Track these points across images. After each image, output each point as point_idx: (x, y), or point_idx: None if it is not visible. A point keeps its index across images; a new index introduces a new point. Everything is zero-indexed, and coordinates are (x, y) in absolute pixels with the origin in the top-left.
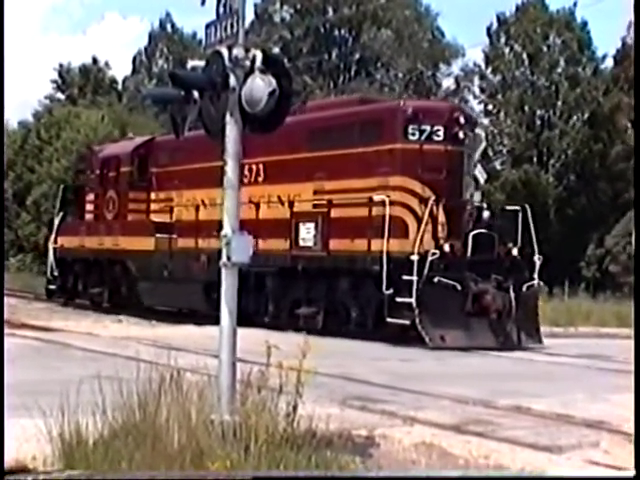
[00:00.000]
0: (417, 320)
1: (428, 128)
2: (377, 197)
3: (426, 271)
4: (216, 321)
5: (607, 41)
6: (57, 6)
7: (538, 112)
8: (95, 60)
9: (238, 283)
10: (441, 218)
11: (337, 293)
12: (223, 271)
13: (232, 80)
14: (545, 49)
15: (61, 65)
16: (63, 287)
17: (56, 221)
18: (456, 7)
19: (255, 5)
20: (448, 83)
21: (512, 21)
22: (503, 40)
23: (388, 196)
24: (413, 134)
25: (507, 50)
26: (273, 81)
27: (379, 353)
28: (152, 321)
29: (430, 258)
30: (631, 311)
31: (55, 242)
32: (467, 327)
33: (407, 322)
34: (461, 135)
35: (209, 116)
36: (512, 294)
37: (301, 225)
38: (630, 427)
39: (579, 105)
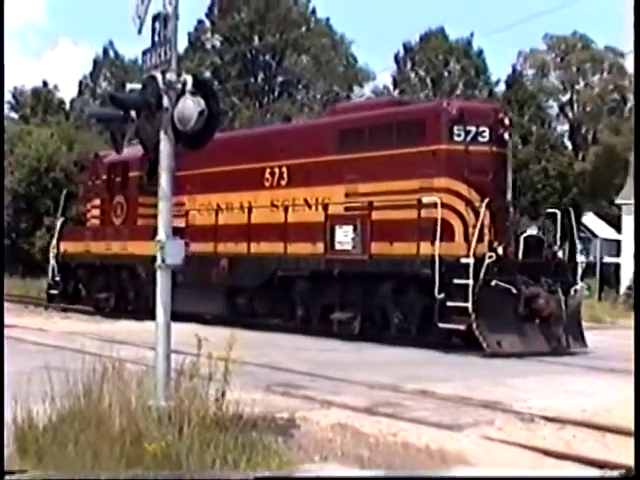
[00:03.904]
0: (474, 325)
1: (473, 129)
2: (427, 199)
3: (482, 275)
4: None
5: (500, 67)
6: (13, 32)
7: None
8: (45, 83)
9: (267, 287)
10: (489, 220)
11: (376, 298)
12: (158, 272)
13: (165, 101)
14: (446, 74)
15: (15, 87)
16: (64, 292)
17: (57, 226)
18: (368, 36)
19: (189, 34)
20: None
21: (417, 49)
22: (409, 66)
23: (440, 198)
24: (458, 135)
25: (412, 75)
26: (202, 102)
27: (301, 343)
28: (97, 317)
29: (487, 261)
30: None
31: (57, 247)
32: (521, 332)
33: (462, 327)
34: (506, 136)
35: (145, 133)
36: (561, 297)
37: (337, 228)
38: (521, 406)
39: None
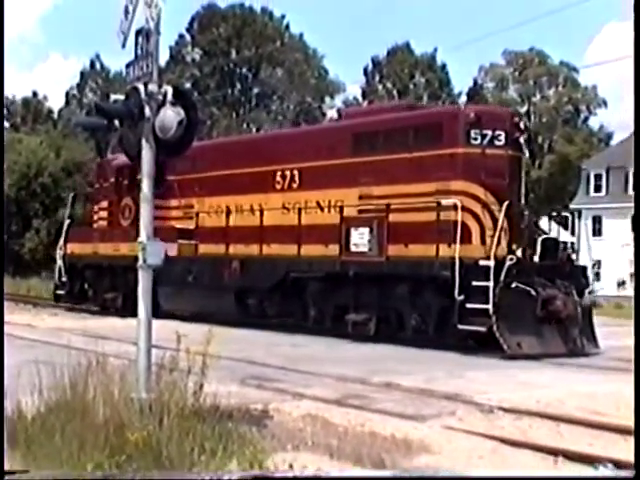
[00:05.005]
0: (495, 327)
1: (490, 133)
2: (446, 201)
3: (503, 277)
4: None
5: (462, 80)
6: (6, 45)
7: None
8: (35, 94)
9: (278, 288)
10: (506, 223)
11: (391, 299)
12: (140, 272)
13: (147, 111)
14: (411, 86)
15: (7, 97)
16: (71, 292)
17: (64, 228)
18: (339, 50)
19: (170, 47)
20: (332, 113)
21: (384, 63)
22: (377, 78)
23: (460, 200)
24: (475, 138)
25: (380, 87)
26: (182, 112)
27: (274, 339)
28: (83, 314)
29: (508, 264)
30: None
31: (64, 248)
32: (539, 333)
33: (482, 329)
34: (521, 140)
35: (128, 141)
36: (576, 299)
37: (353, 230)
38: (481, 398)
39: None
